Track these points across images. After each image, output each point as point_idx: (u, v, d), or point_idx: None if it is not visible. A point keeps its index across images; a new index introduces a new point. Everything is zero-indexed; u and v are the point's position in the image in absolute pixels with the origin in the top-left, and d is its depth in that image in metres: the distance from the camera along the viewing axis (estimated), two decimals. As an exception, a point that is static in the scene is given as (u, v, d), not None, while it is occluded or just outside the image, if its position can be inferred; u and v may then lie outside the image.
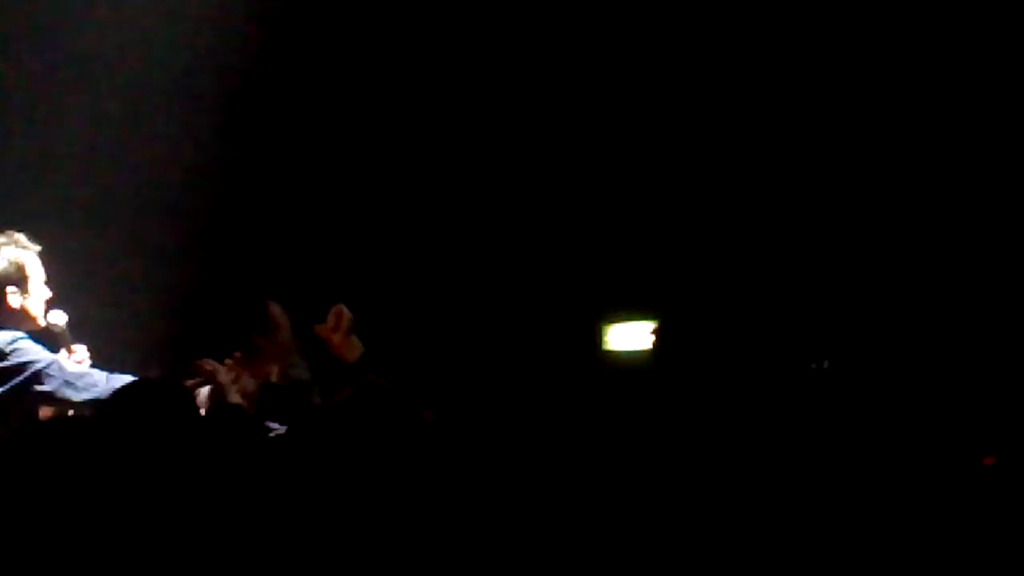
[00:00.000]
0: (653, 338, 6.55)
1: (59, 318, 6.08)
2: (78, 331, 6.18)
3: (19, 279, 5.95)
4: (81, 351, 6.10)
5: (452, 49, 8.42)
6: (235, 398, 5.57)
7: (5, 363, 5.82)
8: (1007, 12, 7.92)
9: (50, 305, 6.07)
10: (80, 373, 5.89)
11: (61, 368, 5.88)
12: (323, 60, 8.43)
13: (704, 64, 8.32)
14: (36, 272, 6.01)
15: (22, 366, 5.82)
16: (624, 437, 4.59)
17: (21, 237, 5.99)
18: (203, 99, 8.16)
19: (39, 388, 5.81)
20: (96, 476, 3.72)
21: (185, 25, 8.05)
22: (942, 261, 7.84)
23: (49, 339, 6.09)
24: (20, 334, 5.93)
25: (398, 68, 8.46)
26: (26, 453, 3.73)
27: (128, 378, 5.69)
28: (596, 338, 8.09)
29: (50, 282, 6.10)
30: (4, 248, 5.94)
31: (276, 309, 5.73)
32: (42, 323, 6.04)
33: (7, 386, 5.79)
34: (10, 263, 5.94)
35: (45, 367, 5.83)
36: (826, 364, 5.89)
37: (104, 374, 5.92)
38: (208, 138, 8.20)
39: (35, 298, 6.00)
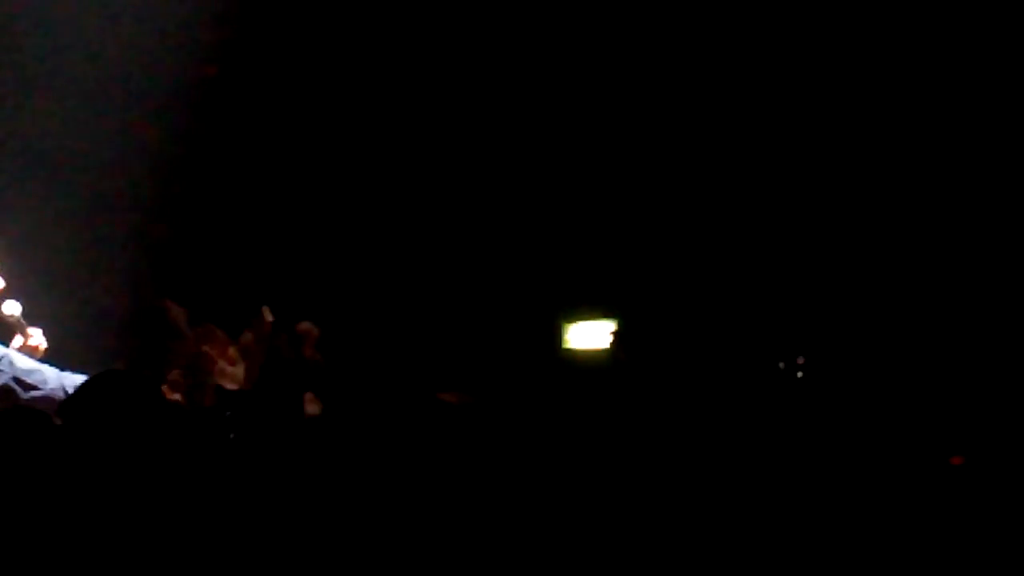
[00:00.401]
0: (612, 337, 6.57)
1: (13, 308, 6.02)
2: (33, 321, 6.12)
3: None
4: (37, 335, 6.04)
5: (428, 45, 8.39)
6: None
7: None
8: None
9: (3, 295, 6.01)
10: (31, 369, 5.81)
11: (12, 363, 5.80)
12: (297, 54, 8.38)
13: (659, 61, 8.30)
14: None
15: None
16: (583, 434, 4.57)
17: None
18: (168, 88, 8.09)
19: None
20: (59, 468, 3.67)
21: (156, 16, 8.00)
22: (918, 254, 7.83)
23: (2, 330, 6.03)
24: None
25: (370, 63, 8.41)
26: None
27: (80, 377, 5.68)
28: (556, 336, 8.06)
29: (2, 272, 6.04)
30: None
31: (178, 314, 5.66)
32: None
33: None
34: None
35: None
36: (798, 362, 5.86)
37: (55, 371, 5.86)
38: (171, 127, 8.14)
39: None
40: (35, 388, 5.72)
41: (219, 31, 8.14)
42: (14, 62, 7.90)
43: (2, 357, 5.79)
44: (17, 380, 5.72)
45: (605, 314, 7.55)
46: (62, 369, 5.86)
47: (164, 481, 3.79)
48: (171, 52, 8.05)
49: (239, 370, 5.66)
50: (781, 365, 5.79)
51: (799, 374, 5.74)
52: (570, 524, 4.11)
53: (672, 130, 8.38)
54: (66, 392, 5.52)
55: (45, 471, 3.66)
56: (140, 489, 3.75)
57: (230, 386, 5.48)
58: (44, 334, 6.06)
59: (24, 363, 5.83)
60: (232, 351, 6.32)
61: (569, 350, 7.90)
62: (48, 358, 6.05)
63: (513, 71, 8.44)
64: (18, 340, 6.04)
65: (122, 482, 3.75)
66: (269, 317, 5.58)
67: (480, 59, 8.43)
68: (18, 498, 3.60)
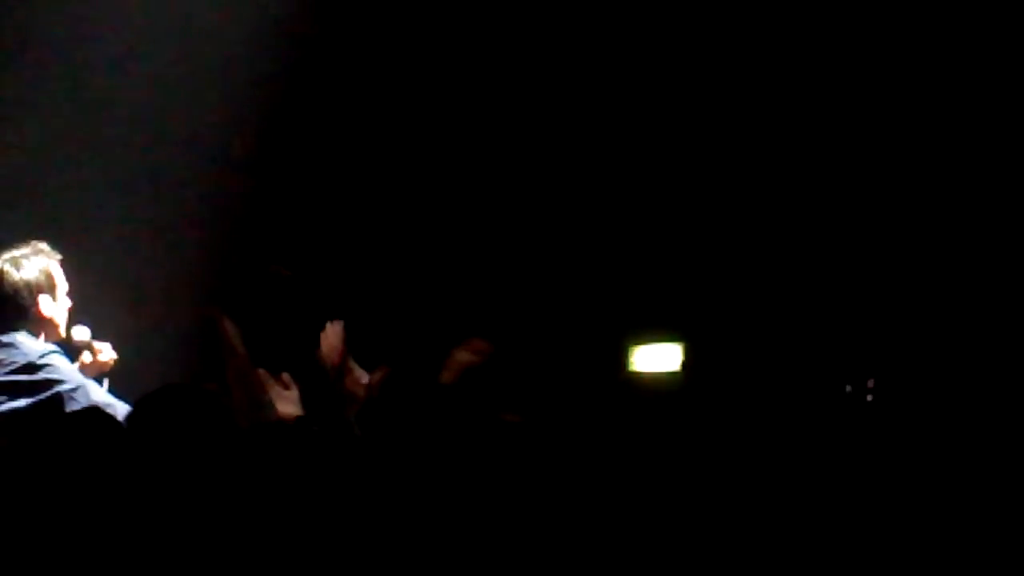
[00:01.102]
0: (681, 359, 6.52)
1: (83, 334, 6.10)
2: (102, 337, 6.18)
3: (50, 287, 5.99)
4: (106, 349, 6.10)
5: (493, 54, 8.38)
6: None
7: (34, 376, 5.84)
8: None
9: (72, 318, 6.07)
10: (105, 403, 5.84)
11: (87, 394, 5.87)
12: (367, 55, 8.37)
13: (745, 88, 8.27)
14: (62, 281, 6.03)
15: (49, 383, 5.82)
16: (649, 458, 4.53)
17: (44, 246, 6.02)
18: (238, 100, 8.11)
19: (61, 411, 5.76)
20: (123, 482, 3.66)
21: (222, 18, 8.01)
22: (994, 277, 7.76)
23: (70, 352, 6.08)
24: (53, 347, 5.96)
25: (440, 67, 8.41)
26: (55, 457, 3.67)
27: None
28: (621, 359, 8.03)
29: (72, 292, 6.10)
30: (34, 258, 5.99)
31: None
32: (64, 334, 6.05)
33: (31, 400, 5.80)
34: (41, 272, 6.00)
35: (71, 390, 5.83)
36: (867, 386, 5.78)
37: (127, 407, 5.89)
38: (239, 140, 8.16)
39: (61, 307, 6.04)
40: None
41: (295, 39, 8.15)
42: (82, 78, 7.94)
43: (77, 388, 5.83)
44: None
45: (672, 336, 7.50)
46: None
47: (221, 498, 3.78)
48: (245, 63, 8.06)
49: (293, 394, 5.65)
50: (848, 388, 5.71)
51: (868, 397, 5.67)
52: (632, 547, 4.08)
53: (741, 157, 8.35)
54: None
55: (108, 477, 3.66)
56: (196, 503, 3.74)
57: (287, 409, 5.47)
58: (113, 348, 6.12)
59: (99, 396, 5.88)
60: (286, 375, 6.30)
61: (634, 372, 7.86)
62: (115, 375, 6.11)
63: (589, 89, 8.43)
64: (86, 356, 6.10)
65: (180, 495, 3.75)
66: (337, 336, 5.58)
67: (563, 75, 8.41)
68: (81, 499, 3.59)
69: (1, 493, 3.66)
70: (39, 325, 6.00)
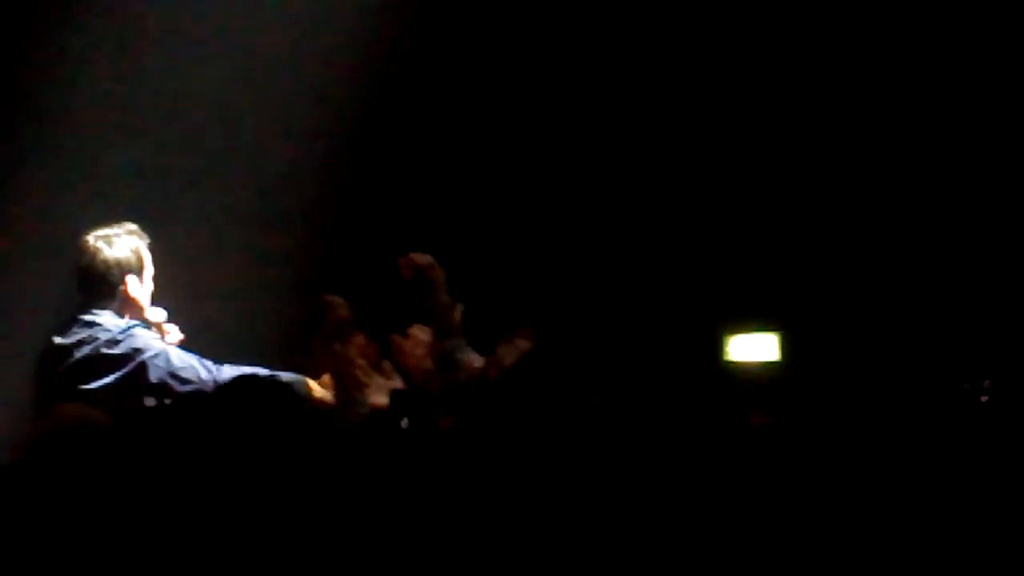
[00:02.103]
0: (779, 350, 6.40)
1: (158, 315, 6.13)
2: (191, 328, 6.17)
3: (139, 268, 6.04)
4: (174, 331, 6.12)
5: (593, 56, 8.31)
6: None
7: (116, 350, 5.89)
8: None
9: (151, 300, 6.10)
10: (184, 365, 5.91)
11: (168, 359, 5.93)
12: (461, 58, 8.32)
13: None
14: (149, 263, 6.06)
15: (132, 353, 5.88)
16: (743, 448, 4.43)
17: (134, 227, 6.06)
18: (332, 97, 8.07)
19: (146, 378, 5.84)
20: (197, 469, 3.61)
21: (319, 21, 7.97)
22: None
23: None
24: (135, 321, 6.01)
25: (537, 70, 8.34)
26: (130, 442, 3.63)
27: (235, 370, 5.78)
28: (717, 348, 7.93)
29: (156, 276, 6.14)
30: (126, 237, 6.06)
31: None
32: (148, 315, 6.08)
33: (117, 374, 5.86)
34: (132, 252, 6.08)
35: (152, 356, 5.89)
36: (986, 385, 5.58)
37: (209, 366, 5.94)
38: (332, 136, 8.13)
39: (147, 289, 6.06)
40: (189, 382, 5.77)
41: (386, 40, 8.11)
42: (180, 70, 7.94)
43: (159, 354, 5.87)
44: (172, 375, 5.82)
45: (771, 326, 7.39)
46: (219, 362, 5.97)
47: (299, 493, 3.72)
48: (336, 59, 8.04)
49: (394, 382, 5.62)
50: (967, 387, 5.52)
51: (984, 398, 5.48)
52: (730, 540, 3.98)
53: (836, 138, 8.24)
54: (216, 386, 5.61)
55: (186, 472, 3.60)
56: (273, 496, 3.68)
57: (381, 400, 5.43)
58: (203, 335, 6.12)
59: (179, 359, 5.88)
60: (387, 364, 6.26)
61: (731, 362, 7.75)
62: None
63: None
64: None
65: (255, 486, 3.69)
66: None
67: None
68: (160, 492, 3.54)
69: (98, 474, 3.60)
70: (124, 305, 6.03)
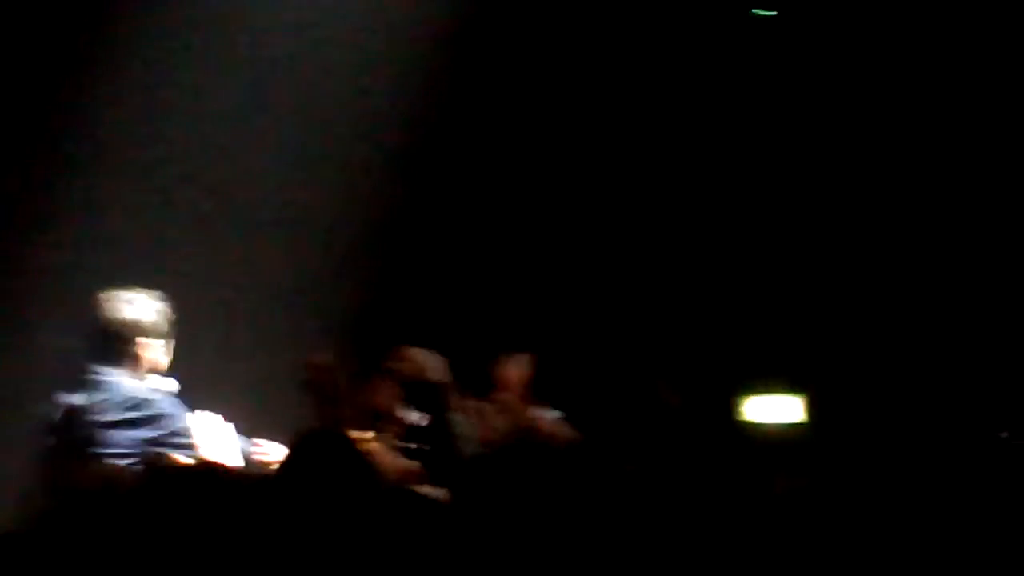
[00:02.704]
0: (803, 410, 6.35)
1: (170, 386, 6.14)
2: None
3: (150, 331, 6.03)
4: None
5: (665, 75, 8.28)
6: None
7: (143, 412, 5.85)
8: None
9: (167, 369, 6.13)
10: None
11: (188, 430, 5.92)
12: (503, 72, 8.29)
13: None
14: (164, 323, 6.08)
15: (159, 418, 5.86)
16: (761, 511, 4.37)
17: (155, 294, 6.11)
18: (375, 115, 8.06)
19: (172, 442, 5.84)
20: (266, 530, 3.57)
21: (359, 30, 7.94)
22: None
23: None
24: (158, 386, 6.00)
25: (582, 82, 8.31)
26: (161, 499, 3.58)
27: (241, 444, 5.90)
28: (732, 410, 7.88)
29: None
30: (142, 300, 6.06)
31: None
32: (160, 380, 6.11)
33: (140, 432, 5.81)
34: (144, 314, 6.03)
35: (181, 427, 5.89)
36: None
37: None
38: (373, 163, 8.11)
39: (163, 348, 6.06)
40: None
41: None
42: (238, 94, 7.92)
43: (184, 424, 5.88)
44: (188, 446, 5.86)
45: (788, 387, 7.34)
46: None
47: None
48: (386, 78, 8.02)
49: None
50: (1004, 435, 5.43)
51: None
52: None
53: (849, 204, 8.21)
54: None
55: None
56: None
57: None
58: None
59: (200, 429, 5.92)
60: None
61: (746, 423, 7.70)
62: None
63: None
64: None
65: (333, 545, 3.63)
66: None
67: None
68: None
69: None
70: (137, 364, 6.03)
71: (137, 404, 5.87)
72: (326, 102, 7.96)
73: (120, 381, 5.97)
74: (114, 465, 5.72)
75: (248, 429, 6.11)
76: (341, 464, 3.94)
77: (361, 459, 4.08)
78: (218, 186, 7.91)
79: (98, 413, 5.91)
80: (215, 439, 6.01)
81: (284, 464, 4.06)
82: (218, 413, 6.11)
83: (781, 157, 8.30)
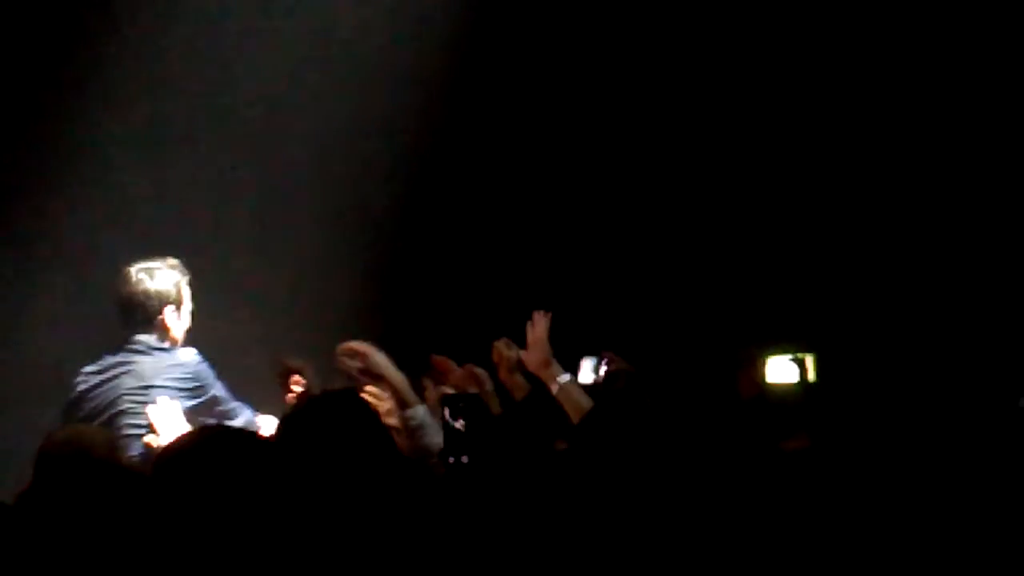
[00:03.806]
0: (809, 371, 6.38)
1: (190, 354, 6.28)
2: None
3: (176, 300, 6.17)
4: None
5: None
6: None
7: (191, 384, 6.13)
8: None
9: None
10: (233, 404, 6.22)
11: (227, 400, 6.25)
12: (531, 66, 8.36)
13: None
14: (187, 297, 6.33)
15: (201, 388, 6.16)
16: (781, 474, 4.44)
17: (176, 262, 6.20)
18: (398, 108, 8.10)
19: (217, 409, 6.13)
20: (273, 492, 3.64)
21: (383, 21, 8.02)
22: None
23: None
24: (202, 359, 6.26)
25: (613, 79, 8.36)
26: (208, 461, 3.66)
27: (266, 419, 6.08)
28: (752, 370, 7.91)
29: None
30: (169, 271, 6.23)
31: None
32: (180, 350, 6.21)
33: (192, 402, 6.07)
34: (174, 285, 6.25)
35: (220, 395, 6.22)
36: None
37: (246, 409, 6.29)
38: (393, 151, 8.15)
39: (184, 322, 6.16)
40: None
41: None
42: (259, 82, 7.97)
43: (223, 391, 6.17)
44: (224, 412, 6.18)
45: (803, 347, 7.38)
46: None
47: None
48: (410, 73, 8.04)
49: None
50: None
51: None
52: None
53: (866, 162, 8.24)
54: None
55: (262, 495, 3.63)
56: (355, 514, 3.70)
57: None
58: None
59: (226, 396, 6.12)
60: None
61: (765, 384, 7.74)
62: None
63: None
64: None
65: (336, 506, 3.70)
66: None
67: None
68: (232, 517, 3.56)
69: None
70: (161, 334, 6.10)
71: (187, 375, 6.12)
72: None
73: (161, 351, 6.19)
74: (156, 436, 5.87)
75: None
76: (355, 422, 3.99)
77: (378, 421, 4.14)
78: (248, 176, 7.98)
79: (141, 383, 6.05)
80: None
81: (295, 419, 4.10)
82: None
83: (794, 120, 8.34)
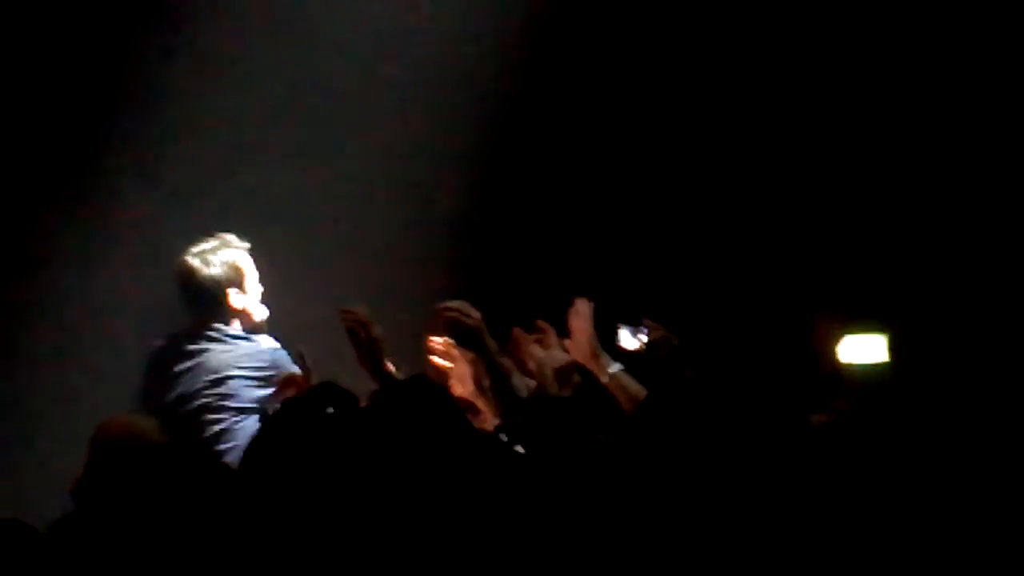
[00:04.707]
0: (889, 351, 6.25)
1: (263, 313, 6.16)
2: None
3: (238, 280, 6.01)
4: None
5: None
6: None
7: (269, 373, 5.95)
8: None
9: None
10: None
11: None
12: (593, 65, 8.25)
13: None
14: (250, 270, 6.06)
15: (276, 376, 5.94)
16: (856, 452, 4.30)
17: (231, 238, 6.07)
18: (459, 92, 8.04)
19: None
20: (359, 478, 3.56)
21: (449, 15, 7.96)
22: None
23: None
24: (278, 345, 6.08)
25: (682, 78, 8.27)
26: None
27: None
28: (828, 349, 7.80)
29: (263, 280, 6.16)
30: (219, 252, 6.09)
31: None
32: (259, 319, 6.08)
33: (260, 391, 5.93)
34: (227, 266, 6.10)
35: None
36: None
37: None
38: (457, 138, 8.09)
39: (252, 296, 6.08)
40: None
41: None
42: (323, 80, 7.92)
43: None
44: None
45: (879, 326, 7.24)
46: None
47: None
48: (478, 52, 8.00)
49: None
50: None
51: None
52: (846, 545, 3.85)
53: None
54: None
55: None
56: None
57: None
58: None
59: None
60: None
61: (841, 363, 7.62)
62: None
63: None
64: None
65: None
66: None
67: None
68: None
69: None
70: (234, 318, 6.03)
71: (265, 362, 5.96)
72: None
73: (236, 339, 6.03)
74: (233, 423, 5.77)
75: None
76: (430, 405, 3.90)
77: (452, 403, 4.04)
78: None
79: (215, 372, 5.95)
80: None
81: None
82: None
83: (863, 96, 8.21)
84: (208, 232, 6.24)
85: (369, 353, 5.29)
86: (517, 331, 5.58)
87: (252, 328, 6.14)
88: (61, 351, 7.14)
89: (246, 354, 5.99)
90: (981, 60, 7.98)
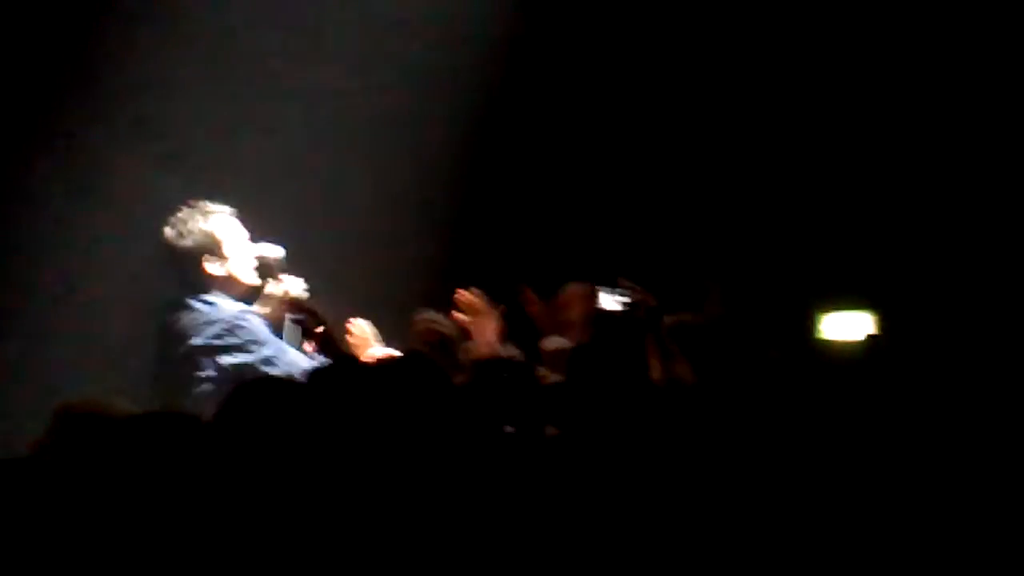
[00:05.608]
0: (871, 329, 6.29)
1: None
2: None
3: (212, 247, 5.89)
4: (293, 283, 6.06)
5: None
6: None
7: (230, 340, 5.79)
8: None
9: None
10: (299, 364, 5.81)
11: (282, 357, 5.84)
12: (592, 56, 8.28)
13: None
14: (230, 234, 5.95)
15: (247, 345, 5.78)
16: (837, 431, 4.36)
17: (207, 203, 5.94)
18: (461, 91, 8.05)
19: (262, 369, 5.73)
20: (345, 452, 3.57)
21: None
22: None
23: (264, 273, 6.05)
24: (248, 308, 5.92)
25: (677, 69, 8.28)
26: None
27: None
28: (809, 325, 7.84)
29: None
30: (190, 221, 5.91)
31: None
32: (252, 282, 5.99)
33: (229, 360, 5.77)
34: (200, 233, 5.90)
35: (272, 355, 5.79)
36: None
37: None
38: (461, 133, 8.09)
39: (236, 260, 5.95)
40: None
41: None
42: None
43: (276, 351, 5.82)
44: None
45: (867, 303, 7.28)
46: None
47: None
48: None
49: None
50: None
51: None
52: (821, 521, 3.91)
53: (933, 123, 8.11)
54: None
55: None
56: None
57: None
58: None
59: (292, 356, 5.87)
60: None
61: (822, 340, 7.66)
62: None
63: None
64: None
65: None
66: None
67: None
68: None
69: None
70: (219, 285, 5.93)
71: (225, 329, 5.81)
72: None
73: (203, 304, 5.86)
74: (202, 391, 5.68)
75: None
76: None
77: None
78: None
79: (184, 338, 5.84)
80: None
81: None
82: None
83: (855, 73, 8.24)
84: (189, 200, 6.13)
85: (323, 340, 5.31)
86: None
87: (244, 294, 6.04)
88: (46, 325, 7.12)
89: (205, 322, 5.81)
90: (952, 48, 8.03)
